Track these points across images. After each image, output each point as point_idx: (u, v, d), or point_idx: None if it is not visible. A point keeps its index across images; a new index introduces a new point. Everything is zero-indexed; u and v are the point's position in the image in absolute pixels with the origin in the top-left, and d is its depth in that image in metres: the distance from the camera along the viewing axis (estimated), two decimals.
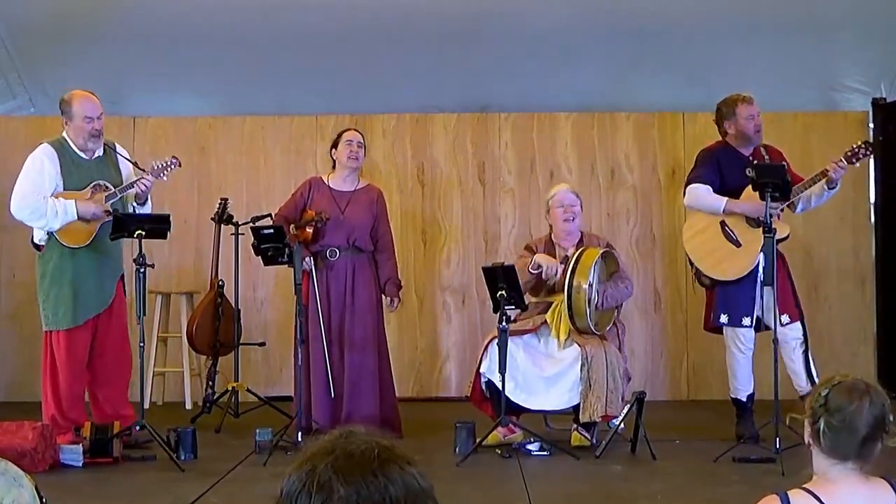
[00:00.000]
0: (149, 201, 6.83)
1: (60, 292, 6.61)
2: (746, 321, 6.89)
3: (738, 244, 6.92)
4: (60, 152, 6.65)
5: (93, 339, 6.72)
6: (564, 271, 6.83)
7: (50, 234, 6.61)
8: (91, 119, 6.66)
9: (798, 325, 6.91)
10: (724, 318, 6.99)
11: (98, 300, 6.66)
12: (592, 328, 6.80)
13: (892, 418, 2.73)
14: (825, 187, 6.80)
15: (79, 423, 6.60)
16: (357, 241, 7.23)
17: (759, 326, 6.99)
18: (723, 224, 6.97)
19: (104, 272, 6.67)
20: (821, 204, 7.11)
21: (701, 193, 7.03)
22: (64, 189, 6.60)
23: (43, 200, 6.52)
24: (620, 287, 6.98)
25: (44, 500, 2.71)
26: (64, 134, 6.73)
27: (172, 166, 6.78)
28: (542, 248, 7.22)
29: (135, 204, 6.77)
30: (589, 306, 6.76)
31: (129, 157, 6.91)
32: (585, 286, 6.70)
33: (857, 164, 6.83)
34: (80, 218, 6.54)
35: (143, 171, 6.73)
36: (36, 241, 6.71)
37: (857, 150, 6.68)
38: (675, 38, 8.76)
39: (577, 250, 6.94)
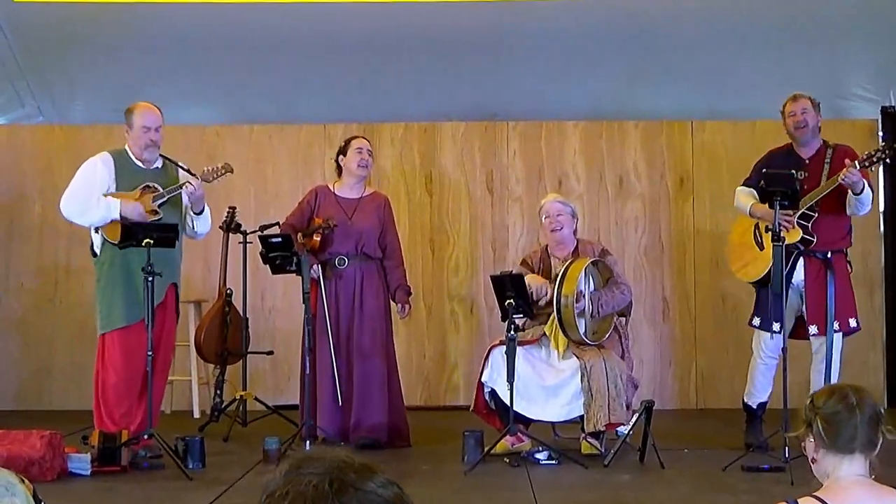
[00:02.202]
0: (206, 211, 6.86)
1: (113, 294, 6.66)
2: (776, 327, 6.81)
3: (761, 247, 6.89)
4: (118, 160, 6.76)
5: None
6: (552, 286, 6.82)
7: (104, 238, 6.68)
8: (148, 129, 6.73)
9: (824, 339, 6.77)
10: (756, 321, 6.98)
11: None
12: (587, 339, 6.79)
13: (877, 403, 2.88)
14: (851, 194, 6.64)
15: (128, 426, 6.54)
16: (365, 247, 7.22)
17: (799, 334, 6.94)
18: (756, 227, 6.94)
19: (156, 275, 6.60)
20: (864, 210, 6.84)
21: (739, 196, 7.05)
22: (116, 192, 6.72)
23: (87, 197, 6.63)
24: (616, 293, 6.95)
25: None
26: (126, 146, 6.82)
27: (224, 172, 6.81)
28: (537, 260, 7.22)
29: (192, 213, 6.81)
30: (581, 317, 6.74)
31: (188, 170, 6.86)
32: (573, 299, 6.68)
33: (872, 168, 6.66)
34: (122, 217, 6.56)
35: (195, 175, 6.76)
36: (95, 248, 6.78)
37: (872, 153, 6.59)
38: (683, 46, 8.76)
39: (567, 262, 6.93)
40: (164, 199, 6.64)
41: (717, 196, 9.01)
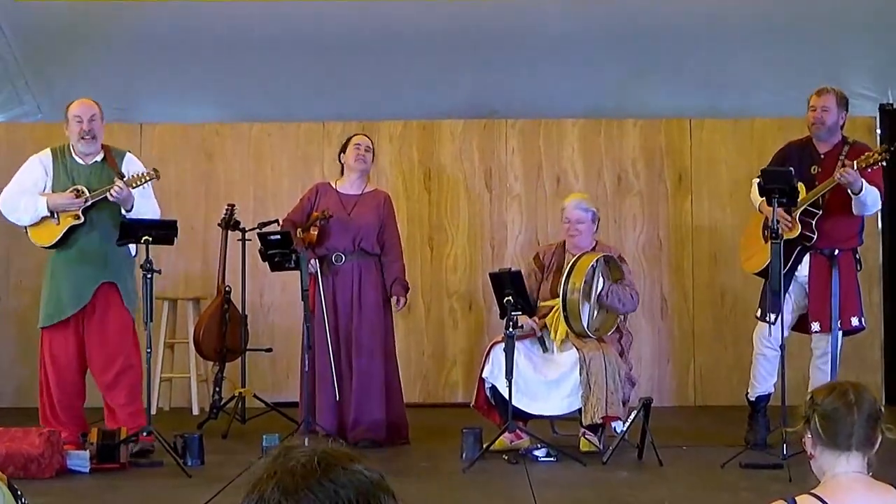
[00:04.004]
0: (141, 209, 6.69)
1: (45, 291, 6.80)
2: (770, 317, 6.81)
3: (766, 241, 6.89)
4: (57, 156, 6.79)
5: (84, 345, 6.75)
6: (561, 276, 6.84)
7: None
8: (80, 119, 6.74)
9: (826, 336, 6.78)
10: (758, 312, 6.99)
11: (72, 303, 6.67)
12: (590, 332, 6.80)
13: (877, 402, 2.88)
14: (851, 193, 6.61)
15: (69, 427, 6.62)
16: (363, 243, 7.22)
17: (803, 328, 6.94)
18: (766, 220, 6.92)
19: (80, 275, 6.65)
20: (868, 210, 6.82)
21: (754, 190, 6.98)
22: (52, 191, 6.73)
23: (18, 196, 6.73)
24: (627, 290, 6.97)
25: (21, 497, 2.69)
26: (70, 142, 6.84)
27: (149, 177, 6.67)
28: (550, 253, 7.24)
29: (123, 212, 6.68)
30: (587, 302, 6.75)
31: (119, 172, 6.74)
32: (580, 287, 6.70)
33: (870, 168, 6.61)
34: (51, 211, 6.62)
35: (122, 179, 6.63)
36: None
37: (871, 155, 6.56)
38: (683, 44, 8.75)
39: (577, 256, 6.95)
40: (89, 203, 6.61)
41: (716, 194, 9.02)
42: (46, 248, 6.78)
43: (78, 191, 6.64)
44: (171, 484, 6.04)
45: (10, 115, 9.41)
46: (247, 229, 7.91)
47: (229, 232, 7.96)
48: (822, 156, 6.86)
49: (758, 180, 6.94)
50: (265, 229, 7.31)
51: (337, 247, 7.21)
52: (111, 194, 6.55)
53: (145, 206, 6.77)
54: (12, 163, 9.10)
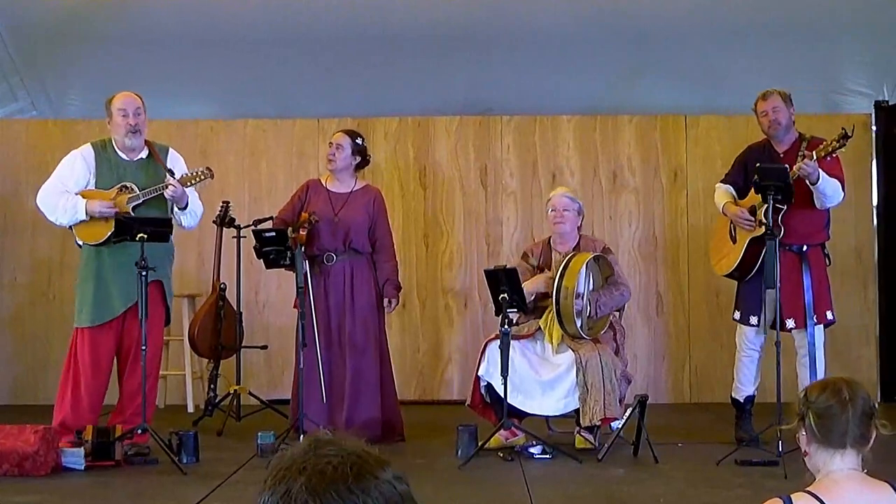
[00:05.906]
0: (192, 205, 6.75)
1: (86, 290, 6.67)
2: (753, 320, 6.86)
3: (734, 241, 6.94)
4: (100, 152, 6.71)
5: (121, 345, 6.70)
6: (553, 276, 6.83)
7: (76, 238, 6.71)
8: (126, 113, 6.65)
9: (803, 332, 6.81)
10: (737, 315, 7.03)
11: (120, 302, 6.60)
12: (584, 333, 6.79)
13: (871, 398, 2.88)
14: (809, 184, 6.61)
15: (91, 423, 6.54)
16: (353, 242, 7.20)
17: (782, 328, 6.96)
18: (732, 222, 6.98)
19: (130, 274, 6.48)
20: (829, 202, 6.77)
21: (717, 193, 7.14)
22: (95, 188, 6.65)
23: (58, 195, 6.61)
24: (615, 294, 6.96)
25: None
26: (112, 137, 6.76)
27: (203, 177, 6.70)
28: (538, 252, 7.24)
29: (177, 209, 6.70)
30: (580, 316, 6.75)
31: (169, 170, 6.74)
32: (573, 291, 6.69)
33: (830, 158, 6.59)
34: (88, 216, 6.55)
35: (174, 175, 6.65)
36: (78, 241, 6.76)
37: (828, 144, 6.55)
38: (678, 41, 8.75)
39: (568, 255, 6.94)
40: (140, 201, 6.57)
41: (711, 191, 8.95)
42: (94, 246, 6.63)
43: (127, 187, 6.59)
44: (166, 481, 6.03)
45: (5, 111, 9.40)
46: (242, 226, 7.89)
47: (224, 229, 7.94)
48: (782, 154, 6.93)
49: (721, 185, 7.05)
50: (260, 226, 7.29)
51: (327, 247, 7.19)
52: (167, 194, 6.53)
53: (193, 202, 6.78)
54: (7, 159, 9.15)
